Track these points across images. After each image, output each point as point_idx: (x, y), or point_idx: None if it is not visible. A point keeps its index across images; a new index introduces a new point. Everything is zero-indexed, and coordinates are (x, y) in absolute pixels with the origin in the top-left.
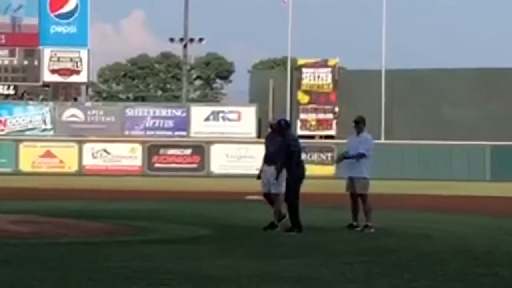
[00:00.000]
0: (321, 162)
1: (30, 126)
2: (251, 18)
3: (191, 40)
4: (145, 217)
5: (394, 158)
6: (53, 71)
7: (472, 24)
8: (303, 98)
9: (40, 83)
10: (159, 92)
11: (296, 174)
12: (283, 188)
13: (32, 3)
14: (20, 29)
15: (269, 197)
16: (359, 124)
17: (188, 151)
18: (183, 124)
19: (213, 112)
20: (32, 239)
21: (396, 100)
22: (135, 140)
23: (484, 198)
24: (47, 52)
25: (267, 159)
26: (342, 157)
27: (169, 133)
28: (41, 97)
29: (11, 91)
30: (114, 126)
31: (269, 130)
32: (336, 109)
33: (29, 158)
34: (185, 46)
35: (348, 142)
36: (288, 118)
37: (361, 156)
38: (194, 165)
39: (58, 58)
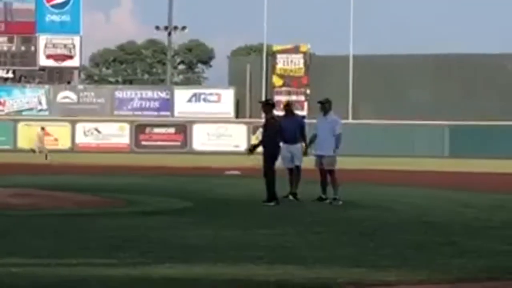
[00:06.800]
0: None
1: (27, 106)
2: (231, 7)
3: (175, 28)
4: (132, 190)
5: (360, 136)
6: (49, 56)
7: (432, 14)
8: (277, 81)
9: (37, 68)
10: (146, 76)
11: (275, 151)
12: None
13: None
14: (11, 15)
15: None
16: (325, 105)
17: (172, 130)
18: (168, 105)
19: (195, 94)
20: (29, 211)
21: (363, 83)
22: (124, 120)
23: (443, 173)
24: (43, 39)
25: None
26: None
27: (155, 113)
28: (37, 80)
29: (10, 75)
30: (104, 107)
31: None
32: (308, 92)
33: (26, 136)
34: (169, 33)
35: (317, 122)
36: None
37: (339, 137)
38: (178, 143)
39: (53, 44)
